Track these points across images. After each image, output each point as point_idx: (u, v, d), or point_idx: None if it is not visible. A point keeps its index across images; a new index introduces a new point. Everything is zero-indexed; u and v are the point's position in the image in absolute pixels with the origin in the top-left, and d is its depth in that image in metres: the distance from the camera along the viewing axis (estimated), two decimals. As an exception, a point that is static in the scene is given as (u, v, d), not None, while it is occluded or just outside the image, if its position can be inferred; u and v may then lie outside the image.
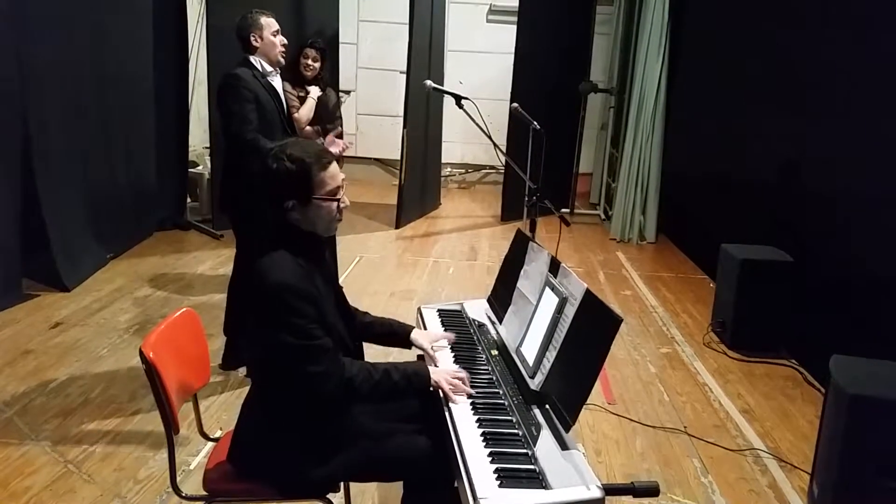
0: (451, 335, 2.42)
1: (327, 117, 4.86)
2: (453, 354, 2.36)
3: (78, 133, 5.19)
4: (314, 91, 4.66)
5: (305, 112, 4.54)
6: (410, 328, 2.36)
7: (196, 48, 6.84)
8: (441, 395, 2.06)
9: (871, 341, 3.46)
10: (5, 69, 4.37)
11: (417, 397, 2.13)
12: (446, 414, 1.98)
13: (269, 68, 3.60)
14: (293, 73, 4.71)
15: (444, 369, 2.13)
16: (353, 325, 2.19)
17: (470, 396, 2.05)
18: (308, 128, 4.60)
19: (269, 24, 3.57)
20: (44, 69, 4.73)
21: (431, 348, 2.33)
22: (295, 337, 1.85)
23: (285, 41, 3.67)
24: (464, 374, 2.11)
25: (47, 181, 4.77)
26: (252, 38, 3.55)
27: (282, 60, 3.65)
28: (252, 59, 3.56)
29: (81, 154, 5.25)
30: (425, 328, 2.62)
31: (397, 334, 2.35)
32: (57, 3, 4.82)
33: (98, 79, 5.41)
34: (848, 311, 3.84)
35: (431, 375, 2.05)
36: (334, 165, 1.99)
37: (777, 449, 3.34)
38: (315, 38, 5.18)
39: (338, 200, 1.98)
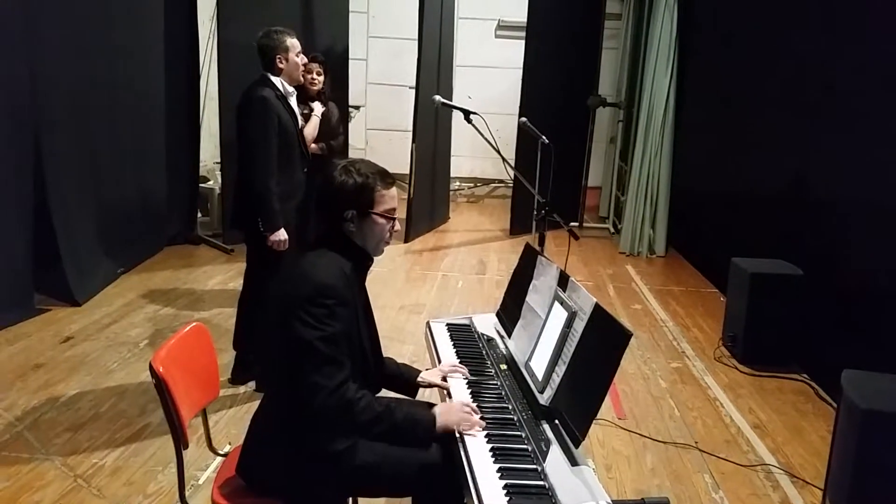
0: (464, 369, 2.35)
1: (330, 133, 4.87)
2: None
3: (89, 148, 5.24)
4: (317, 108, 4.68)
5: (311, 130, 4.54)
6: (417, 372, 2.34)
7: (207, 63, 6.91)
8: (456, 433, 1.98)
9: (883, 355, 3.43)
10: (18, 84, 4.42)
11: (420, 443, 2.00)
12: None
13: (290, 89, 3.61)
14: (297, 89, 4.74)
15: (448, 407, 2.05)
16: (378, 346, 2.20)
17: (482, 419, 2.01)
18: (313, 145, 4.60)
19: (294, 45, 3.57)
20: (55, 84, 4.78)
21: (444, 379, 2.30)
22: (322, 342, 1.86)
23: (305, 60, 3.70)
24: (470, 406, 2.05)
25: (58, 196, 4.81)
26: (278, 60, 3.54)
27: (302, 80, 3.67)
28: (274, 79, 3.55)
29: (92, 169, 5.30)
30: (434, 343, 2.62)
31: (402, 376, 2.32)
32: (69, 19, 4.88)
33: (109, 94, 5.46)
34: (859, 324, 3.81)
35: (437, 421, 1.97)
36: (395, 189, 2.08)
37: (789, 464, 3.31)
38: (317, 52, 5.19)
39: (392, 220, 2.07)
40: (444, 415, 1.99)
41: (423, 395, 2.38)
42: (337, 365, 1.89)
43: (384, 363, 2.27)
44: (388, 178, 2.06)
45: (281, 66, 3.55)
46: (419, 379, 2.32)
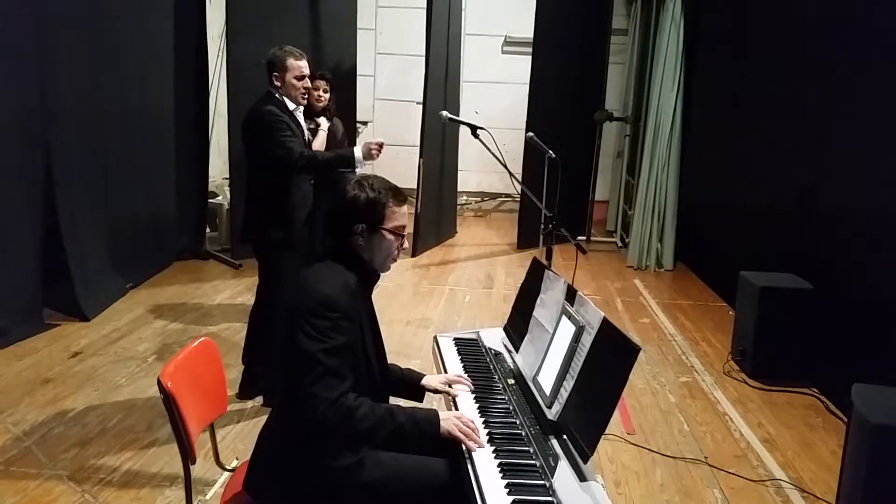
0: (469, 382, 2.34)
1: (336, 148, 4.90)
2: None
3: (98, 164, 5.28)
4: (324, 123, 4.72)
5: (319, 144, 4.57)
6: (421, 375, 2.35)
7: (216, 80, 6.96)
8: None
9: (894, 369, 3.40)
10: (28, 101, 4.47)
11: (424, 443, 2.01)
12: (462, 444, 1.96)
13: (291, 105, 3.64)
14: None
15: (454, 413, 2.06)
16: (385, 360, 2.20)
17: (489, 434, 2.01)
18: None
19: (294, 67, 3.57)
20: (65, 101, 4.82)
21: (449, 386, 2.31)
22: (324, 354, 1.87)
23: (309, 85, 3.71)
24: (473, 424, 2.02)
25: (68, 211, 4.84)
26: (273, 77, 3.58)
27: (301, 102, 3.69)
28: (276, 94, 3.59)
29: (102, 185, 5.34)
30: (441, 357, 2.61)
31: (407, 380, 2.33)
32: (79, 36, 4.94)
33: (119, 110, 5.50)
34: (869, 338, 3.78)
35: (441, 422, 1.97)
36: (406, 206, 2.11)
37: (799, 479, 3.28)
38: (323, 69, 5.22)
39: (401, 237, 2.09)
40: (447, 419, 1.99)
41: (430, 404, 2.37)
42: (338, 377, 1.89)
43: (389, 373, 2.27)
44: (399, 196, 2.08)
45: (276, 83, 3.59)
46: (423, 382, 2.33)
